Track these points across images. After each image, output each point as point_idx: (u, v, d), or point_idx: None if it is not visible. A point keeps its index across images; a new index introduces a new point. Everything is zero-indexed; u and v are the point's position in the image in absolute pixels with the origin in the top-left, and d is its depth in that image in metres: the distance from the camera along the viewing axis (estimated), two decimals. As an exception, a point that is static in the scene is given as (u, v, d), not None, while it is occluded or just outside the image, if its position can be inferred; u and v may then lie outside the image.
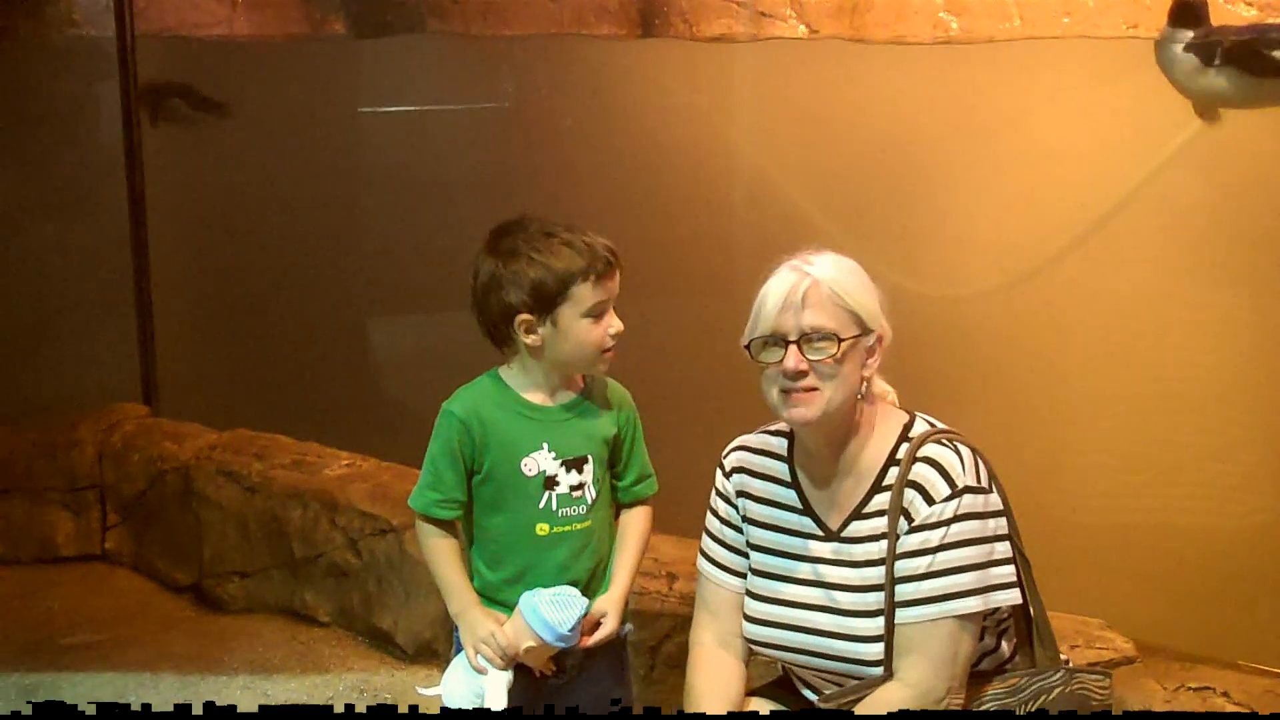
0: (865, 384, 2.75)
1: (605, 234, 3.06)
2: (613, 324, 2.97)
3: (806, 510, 2.84)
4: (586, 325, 2.95)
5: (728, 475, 2.98)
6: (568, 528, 3.02)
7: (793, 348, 2.70)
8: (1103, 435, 4.51)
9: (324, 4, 5.76)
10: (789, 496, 2.88)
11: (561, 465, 3.01)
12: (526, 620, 2.88)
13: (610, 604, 3.01)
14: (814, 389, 2.71)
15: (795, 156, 5.13)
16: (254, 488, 5.03)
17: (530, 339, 2.98)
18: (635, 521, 3.14)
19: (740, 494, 2.95)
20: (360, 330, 5.91)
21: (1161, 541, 4.33)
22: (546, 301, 2.94)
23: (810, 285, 2.70)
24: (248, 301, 6.09)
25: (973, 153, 4.66)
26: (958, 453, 2.71)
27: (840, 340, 2.68)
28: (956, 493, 2.66)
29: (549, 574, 3.02)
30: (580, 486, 3.02)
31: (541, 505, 3.01)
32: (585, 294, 2.93)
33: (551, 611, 2.90)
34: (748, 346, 2.77)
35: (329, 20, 5.77)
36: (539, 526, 3.02)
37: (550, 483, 3.02)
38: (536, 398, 3.05)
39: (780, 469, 2.91)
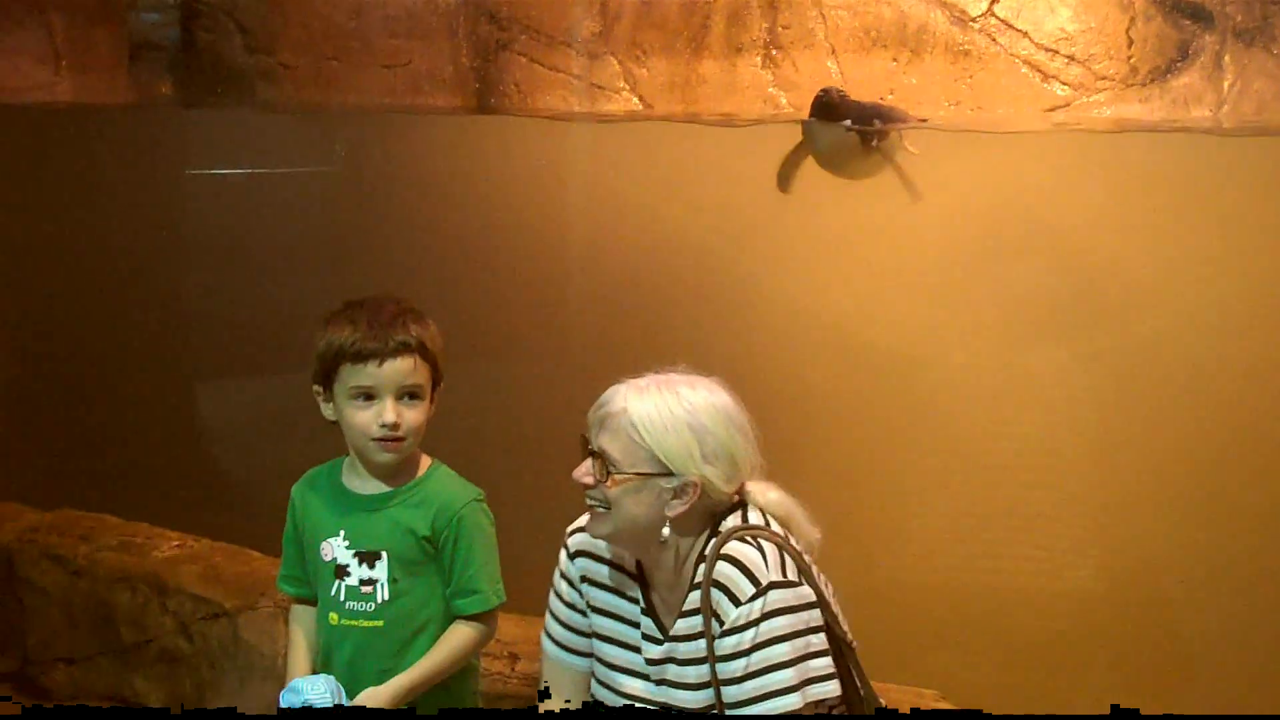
0: (668, 523, 2.70)
1: (438, 309, 2.97)
2: (384, 414, 2.81)
3: (648, 610, 2.82)
4: (353, 409, 2.83)
5: (572, 557, 2.94)
6: (354, 623, 2.90)
7: (589, 459, 2.71)
8: (939, 501, 4.58)
9: (151, 70, 5.62)
10: (633, 590, 2.84)
11: (355, 556, 2.89)
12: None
13: (370, 699, 2.82)
14: (603, 510, 2.72)
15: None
16: (80, 571, 4.84)
17: (326, 411, 2.89)
18: (449, 637, 2.94)
19: (584, 579, 2.91)
20: (189, 402, 5.75)
21: (996, 607, 4.40)
22: (326, 375, 2.85)
23: (617, 412, 2.68)
24: (70, 373, 5.89)
25: (801, 229, 4.72)
26: (760, 549, 2.66)
27: (617, 474, 2.67)
28: (761, 590, 2.61)
29: (338, 668, 2.92)
30: (371, 582, 2.88)
31: (333, 593, 2.92)
32: (348, 374, 2.81)
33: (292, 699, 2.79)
34: None
35: (156, 87, 5.63)
36: (330, 615, 2.93)
37: (341, 572, 2.91)
38: (353, 483, 2.94)
39: (626, 556, 2.86)
